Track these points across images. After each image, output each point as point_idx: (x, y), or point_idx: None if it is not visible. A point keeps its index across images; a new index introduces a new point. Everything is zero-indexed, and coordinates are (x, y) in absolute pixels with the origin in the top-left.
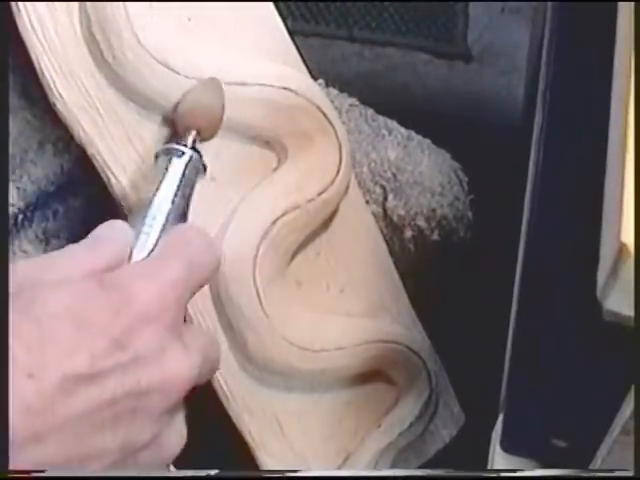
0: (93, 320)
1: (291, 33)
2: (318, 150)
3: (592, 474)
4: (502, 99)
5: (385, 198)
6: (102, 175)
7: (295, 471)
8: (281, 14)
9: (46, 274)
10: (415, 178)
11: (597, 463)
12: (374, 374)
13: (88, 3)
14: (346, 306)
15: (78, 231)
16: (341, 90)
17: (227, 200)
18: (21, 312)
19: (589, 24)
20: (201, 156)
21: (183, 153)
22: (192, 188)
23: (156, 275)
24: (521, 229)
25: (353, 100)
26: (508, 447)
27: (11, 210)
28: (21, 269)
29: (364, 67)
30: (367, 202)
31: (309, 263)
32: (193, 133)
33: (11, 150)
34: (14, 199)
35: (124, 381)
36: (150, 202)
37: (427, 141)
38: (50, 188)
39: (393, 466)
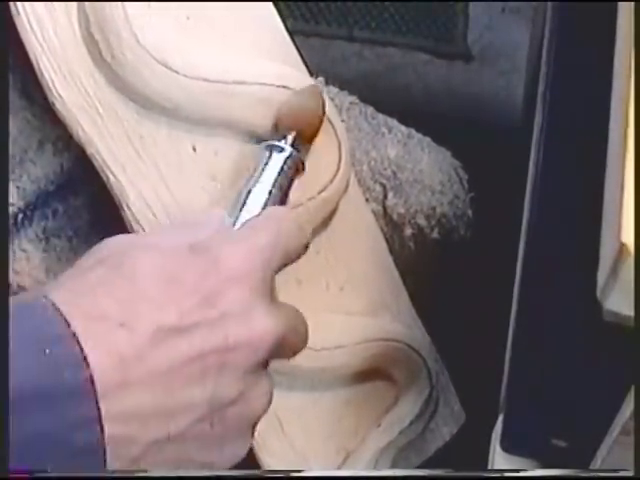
0: (182, 279)
1: (291, 33)
2: (318, 149)
3: (592, 474)
4: (502, 99)
5: (385, 196)
6: (101, 174)
7: (299, 471)
8: (281, 14)
9: (139, 243)
10: (415, 176)
11: (597, 463)
12: (374, 372)
13: (87, 3)
14: (346, 304)
15: (78, 230)
16: (341, 89)
17: (226, 199)
18: (112, 269)
19: (589, 24)
20: (300, 155)
21: (283, 149)
22: (290, 183)
23: (244, 241)
24: (521, 228)
25: (353, 98)
26: (508, 447)
27: (11, 209)
28: (113, 240)
29: (364, 67)
30: (367, 200)
31: (309, 261)
32: (293, 133)
33: (11, 149)
34: (14, 198)
35: (212, 336)
36: (249, 192)
37: (427, 139)
38: (50, 187)
39: (393, 464)
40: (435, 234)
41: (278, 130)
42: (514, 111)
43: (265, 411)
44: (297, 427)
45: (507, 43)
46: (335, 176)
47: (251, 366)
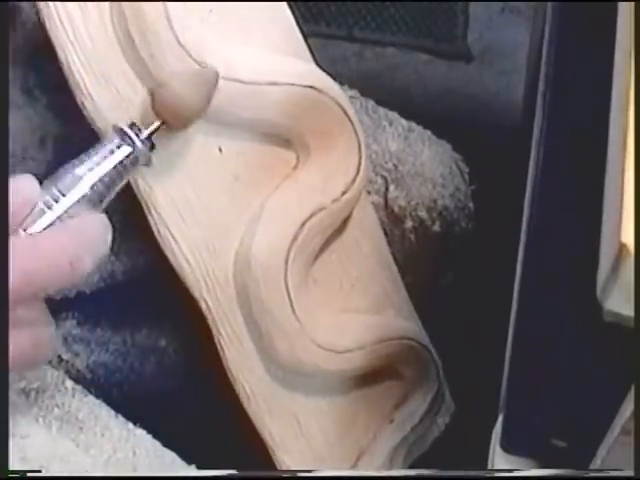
0: None
1: None
2: (340, 149)
3: (592, 474)
4: (502, 99)
5: (386, 189)
6: (130, 178)
7: (309, 471)
8: None
9: None
10: (416, 169)
11: (597, 463)
12: (385, 370)
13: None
14: (356, 302)
15: None
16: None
17: (250, 199)
18: None
19: (589, 24)
20: (153, 149)
21: (134, 143)
22: (122, 179)
23: (19, 256)
24: (522, 220)
25: (353, 92)
26: (508, 447)
27: None
28: None
29: (364, 67)
30: (369, 192)
31: (324, 261)
32: (156, 124)
33: (11, 147)
34: None
35: None
36: (71, 173)
37: (428, 132)
38: None
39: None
40: (436, 227)
41: (144, 114)
42: (514, 111)
43: None
44: (314, 428)
45: (507, 43)
46: (357, 176)
47: None
